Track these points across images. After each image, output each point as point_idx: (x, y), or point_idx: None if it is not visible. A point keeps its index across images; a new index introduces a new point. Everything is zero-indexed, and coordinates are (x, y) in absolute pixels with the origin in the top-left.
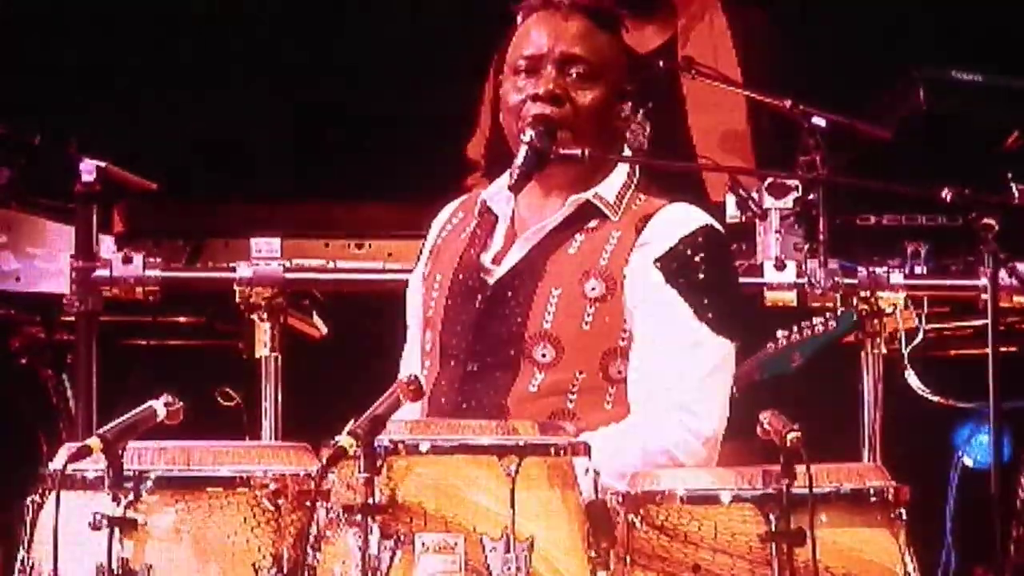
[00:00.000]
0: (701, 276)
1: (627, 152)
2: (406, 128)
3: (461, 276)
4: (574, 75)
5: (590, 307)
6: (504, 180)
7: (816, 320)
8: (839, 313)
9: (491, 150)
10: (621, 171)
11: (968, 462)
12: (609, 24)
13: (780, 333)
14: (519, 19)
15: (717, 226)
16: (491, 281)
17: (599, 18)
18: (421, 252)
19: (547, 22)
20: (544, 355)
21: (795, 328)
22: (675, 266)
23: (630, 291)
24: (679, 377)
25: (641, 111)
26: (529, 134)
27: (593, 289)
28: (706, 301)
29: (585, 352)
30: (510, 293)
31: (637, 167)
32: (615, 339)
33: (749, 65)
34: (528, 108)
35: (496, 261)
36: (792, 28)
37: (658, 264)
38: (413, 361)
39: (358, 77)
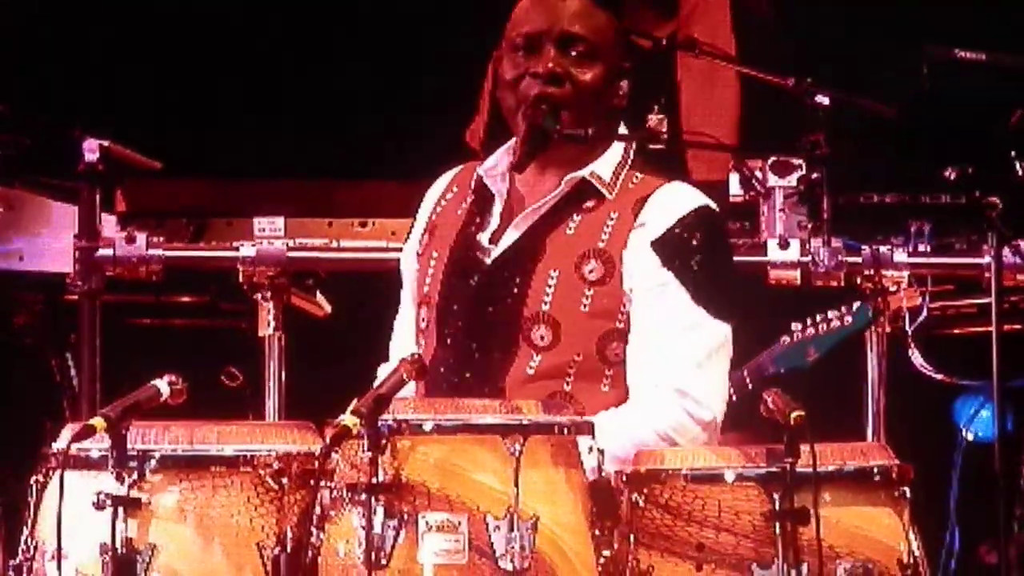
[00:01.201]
0: (698, 258)
1: (623, 130)
2: (409, 106)
3: (458, 255)
4: (574, 54)
5: (588, 289)
6: (499, 155)
7: (831, 314)
8: (854, 308)
9: (489, 135)
10: (616, 149)
11: (970, 436)
12: (608, 3)
13: (795, 326)
14: None
15: (713, 206)
16: (488, 261)
17: None
18: (414, 224)
19: (546, 0)
20: (542, 337)
21: (809, 321)
22: (671, 248)
23: (628, 273)
24: (677, 361)
25: (656, 106)
26: (533, 113)
27: (591, 271)
28: (703, 283)
29: (583, 334)
30: (507, 273)
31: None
32: (613, 321)
33: (749, 46)
34: (527, 85)
35: (493, 240)
36: (796, 7)
37: (655, 246)
38: (405, 334)
39: (361, 55)
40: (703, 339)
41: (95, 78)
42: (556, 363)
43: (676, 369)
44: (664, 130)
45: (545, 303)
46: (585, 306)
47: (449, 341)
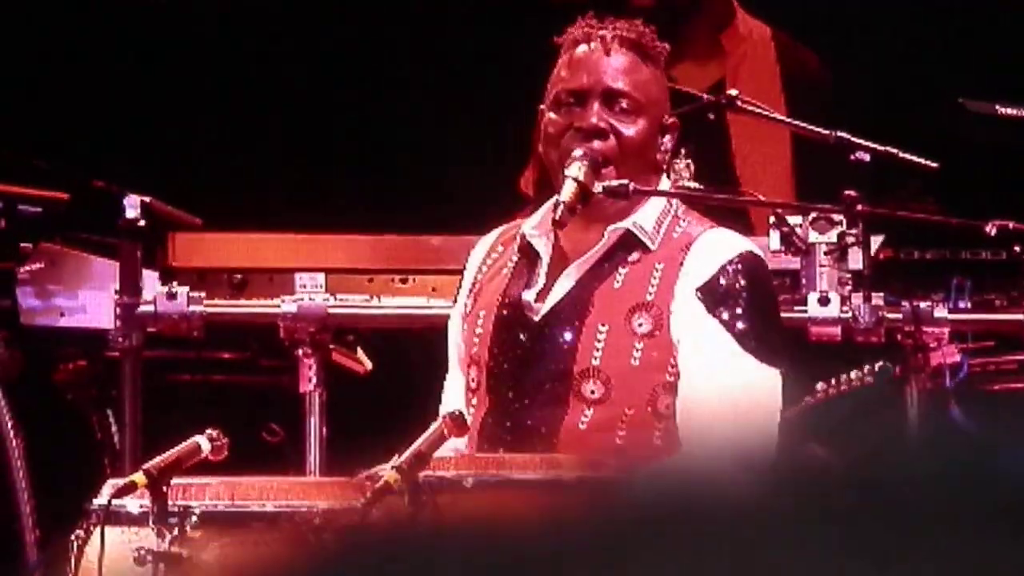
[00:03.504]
0: (742, 304)
1: (666, 182)
2: (449, 161)
3: (505, 313)
4: (618, 109)
5: (638, 343)
6: (543, 212)
7: (854, 374)
8: (876, 368)
9: (541, 184)
10: (658, 199)
11: None
12: (652, 57)
13: (819, 386)
14: (562, 52)
15: (757, 251)
16: (536, 318)
17: (642, 51)
18: (460, 288)
19: (591, 56)
20: (593, 391)
21: (832, 382)
22: (715, 295)
23: (675, 324)
24: (728, 412)
25: (684, 150)
26: (575, 169)
27: (641, 325)
28: (749, 330)
29: (634, 388)
30: (556, 330)
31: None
32: (663, 374)
33: (797, 104)
34: (570, 140)
35: (540, 298)
36: (838, 60)
37: (699, 294)
38: (455, 398)
39: (397, 109)
40: (753, 389)
41: (135, 132)
42: (607, 417)
43: (728, 419)
44: (689, 176)
45: (595, 358)
46: (636, 359)
47: (500, 400)
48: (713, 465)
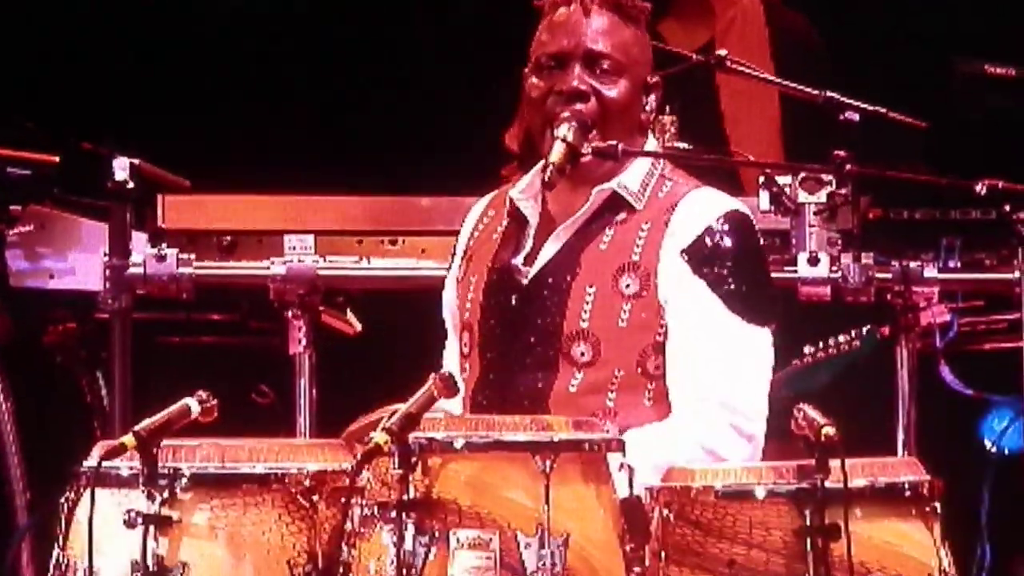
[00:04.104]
0: (729, 264)
1: (652, 142)
2: (438, 122)
3: (495, 278)
4: (599, 71)
5: (626, 304)
6: (530, 177)
7: (841, 339)
8: (864, 332)
9: (528, 140)
10: (643, 159)
11: (994, 450)
12: (633, 18)
13: (807, 349)
14: (543, 14)
15: (744, 209)
16: (524, 282)
17: (623, 12)
18: (454, 254)
19: (570, 18)
20: (582, 354)
21: (820, 345)
22: (701, 256)
23: (663, 285)
24: (718, 374)
25: (669, 107)
26: (563, 130)
27: (628, 286)
28: (735, 290)
29: (623, 349)
30: (545, 292)
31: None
32: (652, 335)
33: (785, 64)
34: (553, 103)
35: (528, 261)
36: (826, 22)
37: (684, 256)
38: (451, 363)
39: (389, 71)
40: (741, 349)
41: (124, 95)
42: (597, 379)
43: (719, 382)
44: (675, 132)
45: (584, 320)
46: (624, 321)
47: (491, 364)
48: (708, 431)
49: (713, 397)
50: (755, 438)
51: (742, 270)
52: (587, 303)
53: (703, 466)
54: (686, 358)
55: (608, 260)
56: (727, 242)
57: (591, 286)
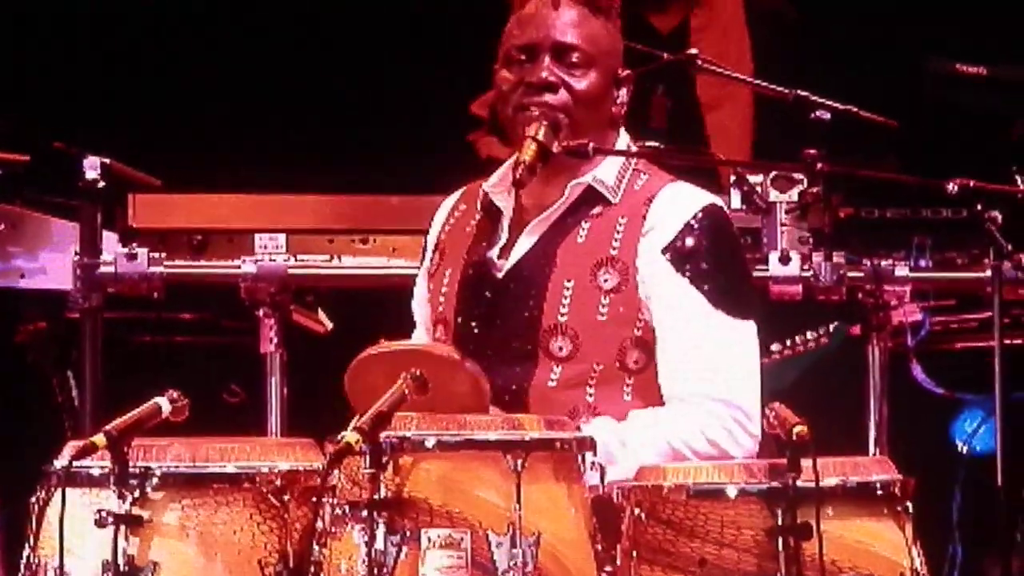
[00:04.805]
0: (709, 260)
1: (624, 137)
2: (409, 121)
3: (471, 271)
4: (569, 63)
5: (604, 298)
6: (504, 170)
7: (809, 335)
8: (831, 329)
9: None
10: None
11: (965, 449)
12: (603, 10)
13: (775, 347)
14: (513, 8)
15: (719, 203)
16: (500, 275)
17: (592, 4)
18: (425, 247)
19: (539, 10)
20: (561, 348)
21: (788, 342)
22: (681, 254)
23: (642, 281)
24: (710, 372)
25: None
26: (534, 129)
27: (606, 280)
28: (717, 286)
29: (602, 344)
30: (521, 286)
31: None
32: (631, 329)
33: (761, 47)
34: (522, 95)
35: (503, 255)
36: (801, 20)
37: (665, 254)
38: None
39: (360, 70)
40: (729, 343)
41: (95, 94)
42: (576, 373)
43: (716, 380)
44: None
45: (562, 314)
46: (602, 315)
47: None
48: (711, 426)
49: (705, 393)
50: (756, 438)
51: (723, 265)
52: (565, 297)
53: (675, 464)
54: (678, 355)
55: (585, 254)
56: (706, 239)
57: (569, 280)
